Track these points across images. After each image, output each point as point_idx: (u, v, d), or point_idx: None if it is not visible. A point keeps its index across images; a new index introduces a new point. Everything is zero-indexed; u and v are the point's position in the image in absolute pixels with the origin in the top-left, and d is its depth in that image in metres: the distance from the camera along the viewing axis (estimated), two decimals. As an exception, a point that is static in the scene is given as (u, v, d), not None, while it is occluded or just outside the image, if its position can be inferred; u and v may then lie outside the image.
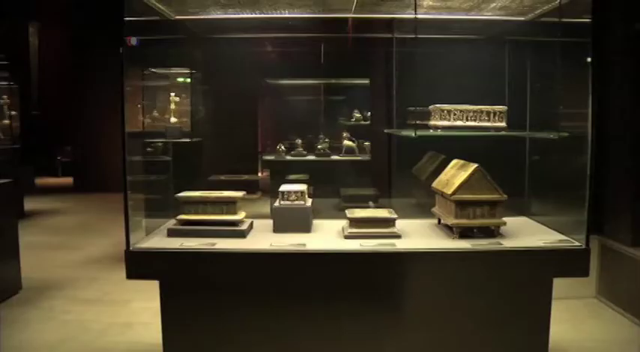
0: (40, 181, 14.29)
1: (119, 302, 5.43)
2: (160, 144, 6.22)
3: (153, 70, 5.68)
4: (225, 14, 3.71)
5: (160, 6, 3.53)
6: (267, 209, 6.07)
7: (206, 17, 3.73)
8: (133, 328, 4.80)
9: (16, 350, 4.46)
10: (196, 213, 3.13)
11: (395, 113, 4.09)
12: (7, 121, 6.31)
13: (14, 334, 4.76)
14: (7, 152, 6.13)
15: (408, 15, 3.72)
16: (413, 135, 3.15)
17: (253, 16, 3.76)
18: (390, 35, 4.24)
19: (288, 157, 7.14)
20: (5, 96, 6.31)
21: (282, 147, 7.18)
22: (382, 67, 5.89)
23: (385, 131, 4.49)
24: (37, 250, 7.00)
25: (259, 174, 8.36)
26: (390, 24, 4.17)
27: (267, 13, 3.74)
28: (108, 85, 12.95)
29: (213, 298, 2.94)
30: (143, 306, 5.20)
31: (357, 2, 3.55)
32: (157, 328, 4.35)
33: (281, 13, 3.74)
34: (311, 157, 7.23)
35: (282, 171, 6.93)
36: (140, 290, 5.36)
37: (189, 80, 6.19)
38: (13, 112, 6.43)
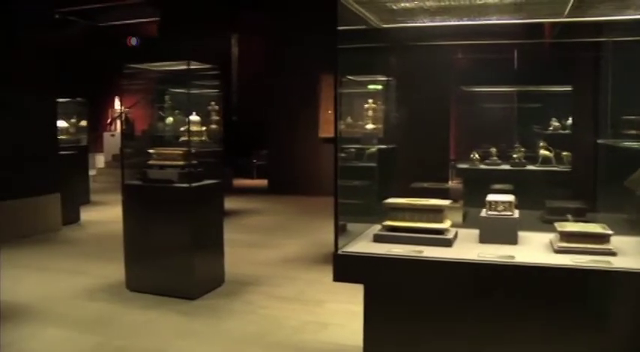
0: (237, 182, 15.19)
1: (314, 301, 5.61)
2: (352, 149, 6.37)
3: (350, 77, 5.81)
4: (432, 22, 3.70)
5: (369, 15, 3.59)
6: (459, 217, 5.99)
7: (413, 25, 3.73)
8: (328, 328, 4.94)
9: (220, 338, 4.79)
10: (403, 219, 3.15)
11: (609, 122, 3.86)
12: (214, 126, 6.76)
13: (219, 323, 5.11)
14: (214, 155, 6.56)
15: (629, 17, 3.47)
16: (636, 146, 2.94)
17: (460, 23, 3.71)
18: (604, 39, 4.01)
19: (482, 166, 6.99)
20: (213, 103, 6.76)
21: (476, 156, 7.05)
22: (588, 73, 5.59)
23: (598, 141, 4.24)
24: (237, 247, 7.41)
25: (450, 182, 8.27)
26: (598, 27, 3.93)
27: (475, 20, 3.67)
28: (301, 92, 13.55)
29: (418, 305, 2.93)
30: (338, 308, 5.34)
31: (571, 5, 3.38)
32: (352, 330, 4.46)
33: (488, 20, 3.66)
34: (505, 166, 7.03)
35: (475, 180, 6.79)
36: (335, 291, 5.49)
37: (380, 87, 6.26)
38: (218, 118, 6.88)
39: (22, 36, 8.68)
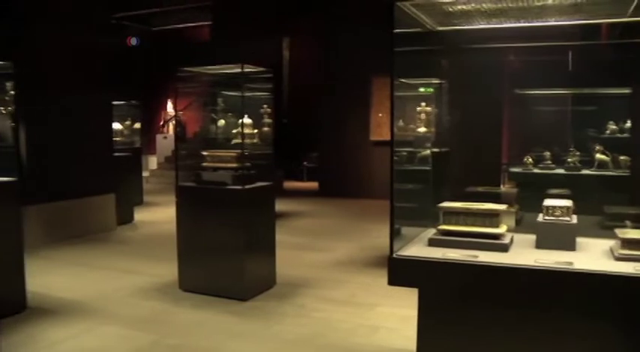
0: (287, 185, 15.27)
1: (366, 305, 5.59)
2: (404, 153, 6.32)
3: (402, 79, 5.77)
4: (488, 24, 3.65)
5: (425, 18, 3.56)
6: (512, 222, 5.89)
7: (469, 28, 3.69)
8: (380, 332, 4.91)
9: (271, 339, 4.81)
10: (457, 223, 3.12)
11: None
12: (266, 129, 6.80)
13: (270, 324, 5.13)
14: (266, 157, 6.60)
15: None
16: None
17: (517, 25, 3.66)
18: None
19: (536, 170, 6.88)
20: (265, 105, 6.79)
21: (530, 159, 6.94)
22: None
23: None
24: (287, 249, 7.43)
25: (502, 186, 8.15)
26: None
27: (532, 22, 3.61)
28: (352, 94, 13.54)
29: (473, 311, 2.91)
30: (389, 311, 5.31)
31: (635, 4, 3.29)
32: (404, 334, 4.45)
33: (546, 22, 3.60)
34: (560, 171, 6.90)
35: (528, 184, 6.68)
36: (386, 295, 5.50)
37: (432, 90, 6.20)
38: (270, 120, 6.92)
39: (80, 41, 8.89)
